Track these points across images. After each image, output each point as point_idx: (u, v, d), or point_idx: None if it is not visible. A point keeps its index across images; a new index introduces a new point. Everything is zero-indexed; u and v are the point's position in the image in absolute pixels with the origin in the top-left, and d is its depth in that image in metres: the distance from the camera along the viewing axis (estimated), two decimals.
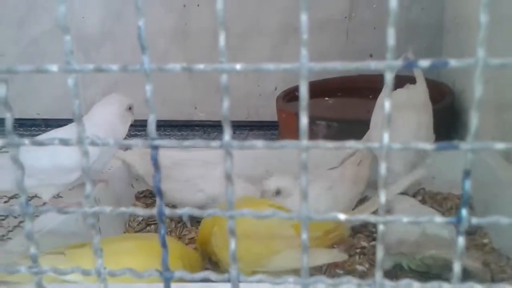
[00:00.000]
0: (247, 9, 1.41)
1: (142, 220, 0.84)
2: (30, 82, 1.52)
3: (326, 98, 1.32)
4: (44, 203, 0.71)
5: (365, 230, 0.74)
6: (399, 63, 0.24)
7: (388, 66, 0.24)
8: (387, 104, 0.25)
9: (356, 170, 0.76)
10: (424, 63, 0.24)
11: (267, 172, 0.85)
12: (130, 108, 0.75)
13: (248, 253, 0.56)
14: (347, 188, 0.73)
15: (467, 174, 0.26)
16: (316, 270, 0.63)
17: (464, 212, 0.26)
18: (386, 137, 0.26)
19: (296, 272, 0.53)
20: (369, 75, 1.34)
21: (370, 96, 1.25)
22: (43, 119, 1.55)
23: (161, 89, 1.40)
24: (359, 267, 0.63)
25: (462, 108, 1.09)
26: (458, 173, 0.84)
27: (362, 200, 0.79)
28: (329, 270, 0.64)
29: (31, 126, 1.54)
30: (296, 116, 1.12)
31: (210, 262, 0.66)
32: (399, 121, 0.75)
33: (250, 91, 1.49)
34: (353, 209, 0.73)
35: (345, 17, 1.41)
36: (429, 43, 1.35)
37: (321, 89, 1.29)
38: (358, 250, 0.68)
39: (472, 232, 0.72)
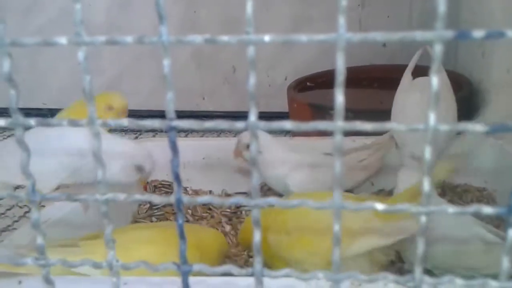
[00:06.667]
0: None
1: (148, 208, 0.81)
2: (36, 70, 1.50)
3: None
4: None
5: None
6: (450, 32, 0.21)
7: (438, 36, 0.22)
8: (434, 80, 0.22)
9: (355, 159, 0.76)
10: (478, 33, 0.22)
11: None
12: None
13: (323, 246, 0.51)
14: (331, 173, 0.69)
15: None
16: None
17: None
18: (432, 118, 0.23)
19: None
20: (382, 66, 1.31)
21: (385, 86, 1.22)
22: (49, 109, 1.53)
23: None
24: None
25: (479, 98, 1.06)
26: (477, 165, 0.82)
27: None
28: None
29: (37, 116, 1.51)
30: (308, 106, 1.09)
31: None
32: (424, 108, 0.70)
33: (259, 81, 1.44)
34: None
35: (358, 5, 1.37)
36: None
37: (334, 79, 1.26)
38: None
39: (496, 226, 0.69)
